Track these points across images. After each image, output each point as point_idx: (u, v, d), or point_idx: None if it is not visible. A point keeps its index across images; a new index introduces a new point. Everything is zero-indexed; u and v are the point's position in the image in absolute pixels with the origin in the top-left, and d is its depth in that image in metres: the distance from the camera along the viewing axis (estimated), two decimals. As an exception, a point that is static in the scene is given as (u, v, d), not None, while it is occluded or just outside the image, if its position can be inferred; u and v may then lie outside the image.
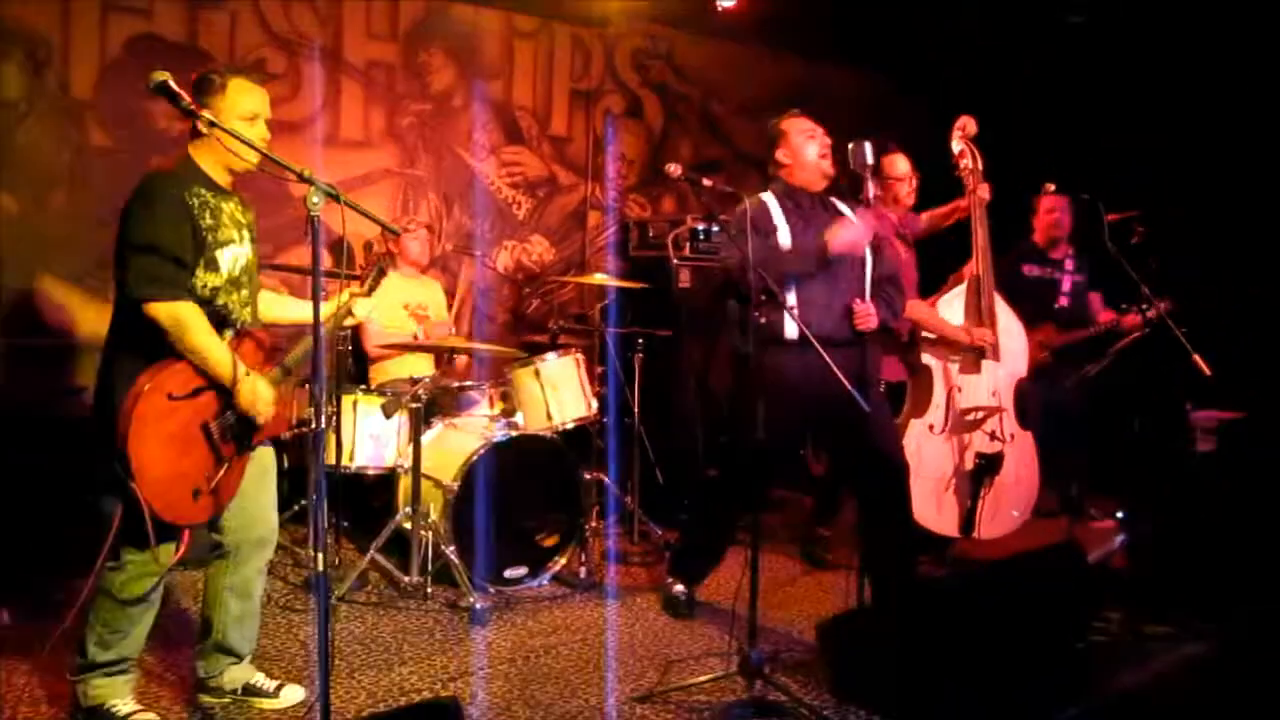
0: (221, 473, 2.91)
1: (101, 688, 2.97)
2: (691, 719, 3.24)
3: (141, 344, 2.81)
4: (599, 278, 5.28)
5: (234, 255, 2.99)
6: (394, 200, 5.93)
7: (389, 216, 5.66)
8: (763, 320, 3.51)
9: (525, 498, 4.43)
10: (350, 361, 5.08)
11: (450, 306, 5.54)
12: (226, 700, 3.19)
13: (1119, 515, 5.55)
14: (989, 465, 4.47)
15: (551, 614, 4.16)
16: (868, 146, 3.81)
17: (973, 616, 3.27)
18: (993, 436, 4.50)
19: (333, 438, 4.31)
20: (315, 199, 2.46)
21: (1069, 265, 5.61)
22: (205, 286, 2.90)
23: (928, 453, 4.43)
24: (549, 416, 4.62)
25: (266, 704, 3.20)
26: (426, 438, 4.40)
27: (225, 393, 2.89)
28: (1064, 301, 5.57)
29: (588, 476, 4.76)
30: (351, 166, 5.77)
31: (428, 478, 4.26)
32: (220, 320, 2.93)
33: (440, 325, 5.28)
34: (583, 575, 4.53)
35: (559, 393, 4.65)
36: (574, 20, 6.54)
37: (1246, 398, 5.75)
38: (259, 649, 3.38)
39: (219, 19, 5.32)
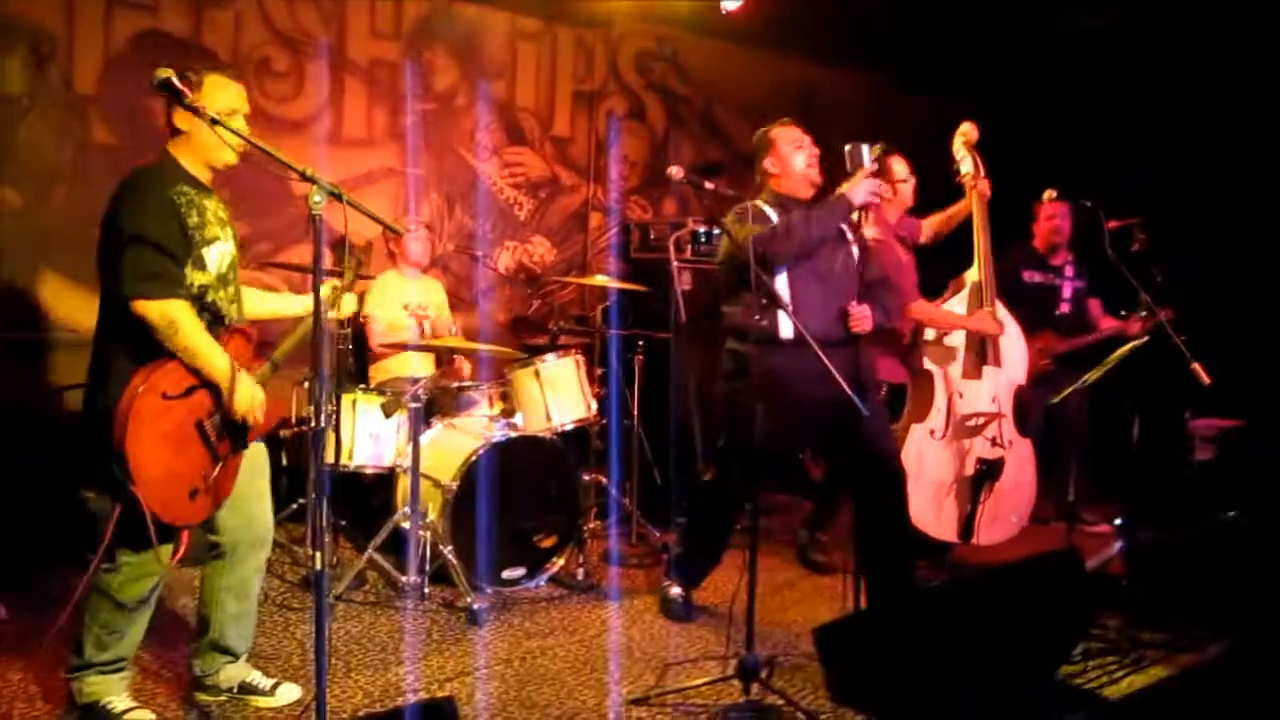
0: (217, 471, 2.90)
1: (97, 685, 2.97)
2: (688, 722, 3.24)
3: (133, 343, 2.80)
4: (600, 279, 5.29)
5: (220, 252, 2.99)
6: (396, 199, 5.93)
7: (391, 216, 5.65)
8: (763, 322, 3.51)
9: (524, 499, 4.42)
10: (351, 360, 5.08)
11: (453, 306, 5.53)
12: (223, 698, 3.19)
13: (1117, 522, 5.55)
14: (990, 471, 4.47)
15: (549, 615, 4.15)
16: (864, 148, 3.83)
17: (970, 622, 3.26)
18: (994, 443, 4.50)
19: (332, 436, 4.31)
20: (318, 198, 2.46)
21: (1069, 271, 5.61)
22: (194, 285, 2.89)
23: (928, 457, 4.43)
24: (548, 417, 4.62)
25: (263, 702, 3.20)
26: (425, 437, 4.40)
27: (218, 390, 2.88)
28: (1065, 308, 5.58)
29: (586, 478, 4.76)
30: (354, 165, 5.77)
31: (426, 477, 4.25)
32: (211, 318, 2.92)
33: (442, 324, 5.27)
34: (580, 577, 4.53)
35: (558, 394, 4.65)
36: (577, 22, 6.54)
37: (1246, 405, 5.75)
38: (256, 647, 3.38)
39: (223, 16, 5.32)
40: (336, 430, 4.35)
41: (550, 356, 4.72)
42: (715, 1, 6.30)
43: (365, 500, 5.01)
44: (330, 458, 4.26)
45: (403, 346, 4.83)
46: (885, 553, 3.88)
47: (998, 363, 4.53)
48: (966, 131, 4.64)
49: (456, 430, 4.63)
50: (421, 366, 5.00)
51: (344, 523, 4.81)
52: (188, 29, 5.22)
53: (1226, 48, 6.39)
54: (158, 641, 3.48)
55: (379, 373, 5.12)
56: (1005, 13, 6.79)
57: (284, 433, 5.03)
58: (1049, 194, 5.11)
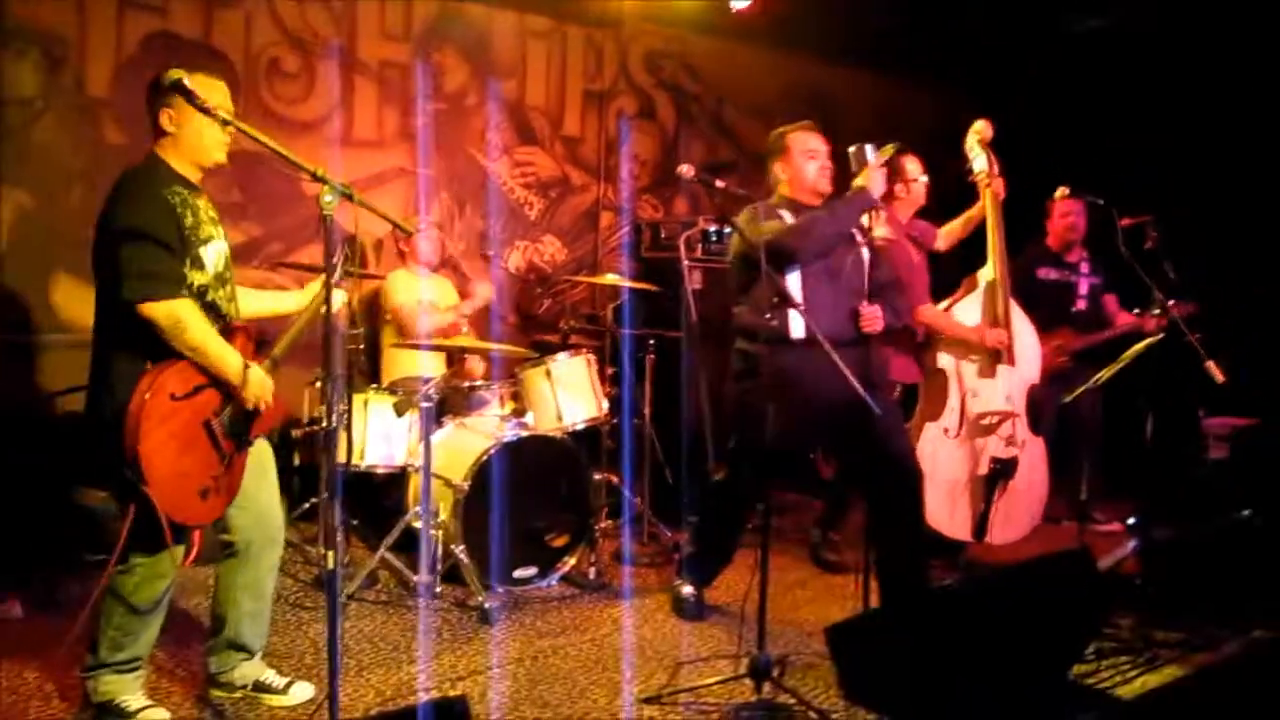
0: (225, 470, 2.91)
1: (112, 684, 2.98)
2: (700, 721, 3.23)
3: (136, 344, 2.80)
4: (611, 278, 5.28)
5: (216, 251, 3.00)
6: (406, 200, 5.93)
7: (401, 217, 5.66)
8: (774, 322, 3.51)
9: (535, 498, 4.43)
10: (363, 359, 5.09)
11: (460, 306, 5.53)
12: (237, 696, 3.20)
13: (1130, 521, 5.53)
14: (1003, 470, 4.46)
15: (560, 614, 4.16)
16: (869, 149, 3.84)
17: (983, 621, 3.25)
18: (1008, 441, 4.49)
19: (344, 436, 4.31)
20: (329, 198, 2.47)
21: (1084, 268, 5.59)
22: (194, 285, 2.89)
23: (942, 456, 4.42)
24: (559, 417, 4.62)
25: (276, 700, 3.21)
26: (437, 437, 4.41)
27: (223, 389, 2.88)
28: (1081, 305, 5.56)
29: (598, 477, 4.76)
30: (364, 166, 5.78)
31: (438, 477, 4.26)
32: (212, 317, 2.92)
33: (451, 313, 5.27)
34: (592, 576, 4.53)
35: (570, 393, 4.66)
36: (587, 21, 6.54)
37: (1260, 403, 5.72)
38: (269, 646, 3.39)
39: (234, 17, 5.34)
40: (349, 430, 4.35)
41: (562, 356, 4.72)
42: (725, 1, 6.29)
43: (377, 500, 5.02)
44: (342, 457, 4.27)
45: (414, 346, 4.84)
46: (899, 552, 3.88)
47: (1012, 361, 4.51)
48: (981, 129, 4.62)
49: (468, 430, 4.64)
50: (433, 366, 5.02)
51: (356, 522, 4.82)
52: (198, 30, 5.24)
53: (1232, 47, 6.36)
54: (172, 640, 3.49)
55: (391, 371, 5.13)
56: (1014, 11, 6.77)
57: (296, 432, 5.05)
58: (1061, 191, 5.09)
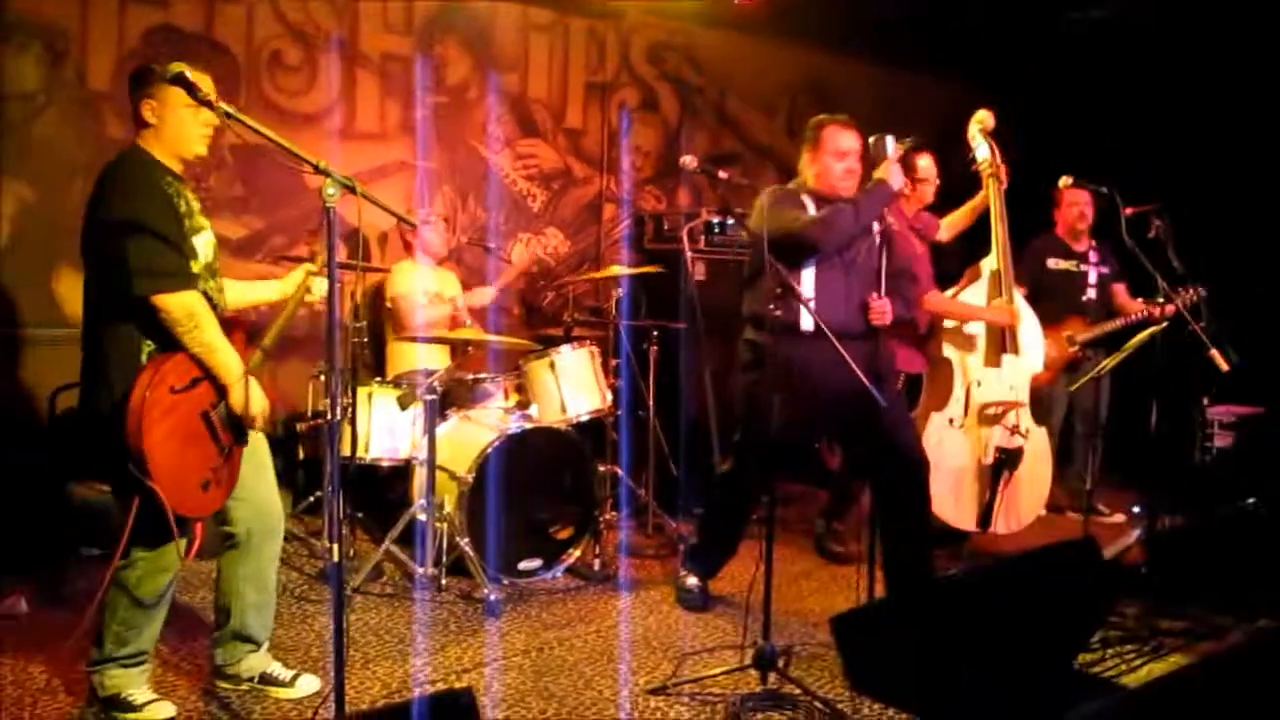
0: (224, 462, 2.91)
1: (118, 678, 2.99)
2: (705, 712, 3.24)
3: (133, 336, 2.80)
4: (616, 269, 5.28)
5: (206, 241, 2.99)
6: (409, 193, 5.93)
7: (404, 209, 5.67)
8: (778, 312, 3.50)
9: (539, 490, 4.43)
10: (367, 353, 5.09)
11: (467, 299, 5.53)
12: (243, 688, 3.21)
13: (1135, 510, 5.53)
14: (1009, 460, 4.45)
15: (565, 606, 4.16)
16: (889, 140, 3.82)
17: (988, 611, 3.25)
18: (1014, 431, 4.49)
19: (348, 429, 4.32)
20: (331, 190, 2.47)
21: (1093, 258, 5.58)
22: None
23: (947, 446, 4.42)
24: (563, 409, 4.62)
25: (282, 693, 3.21)
26: (441, 430, 4.41)
27: (219, 382, 2.88)
28: (1090, 294, 5.54)
29: (602, 469, 4.76)
30: (366, 159, 5.78)
31: (442, 470, 4.26)
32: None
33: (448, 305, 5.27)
34: (597, 568, 4.54)
35: (573, 385, 4.66)
36: (589, 13, 6.53)
37: (1265, 392, 5.71)
38: (275, 639, 3.40)
39: (236, 11, 5.33)
40: (353, 423, 4.36)
41: (565, 348, 4.72)
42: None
43: (382, 492, 5.03)
44: (347, 450, 4.28)
45: (422, 338, 4.84)
46: (906, 543, 3.88)
47: (1016, 351, 4.50)
48: (983, 119, 4.61)
49: (472, 422, 4.64)
50: (439, 357, 5.02)
51: (361, 515, 4.83)
52: (200, 23, 5.24)
53: (1234, 43, 6.34)
54: (176, 634, 3.50)
55: (395, 364, 5.13)
56: (1019, 2, 6.75)
57: (301, 426, 5.06)
58: (1065, 180, 5.08)
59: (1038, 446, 4.62)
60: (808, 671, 3.51)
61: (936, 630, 3.15)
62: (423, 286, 5.13)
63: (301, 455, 5.12)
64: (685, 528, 4.89)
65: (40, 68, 4.84)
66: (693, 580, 4.17)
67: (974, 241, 4.71)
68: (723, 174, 3.69)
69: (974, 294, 4.53)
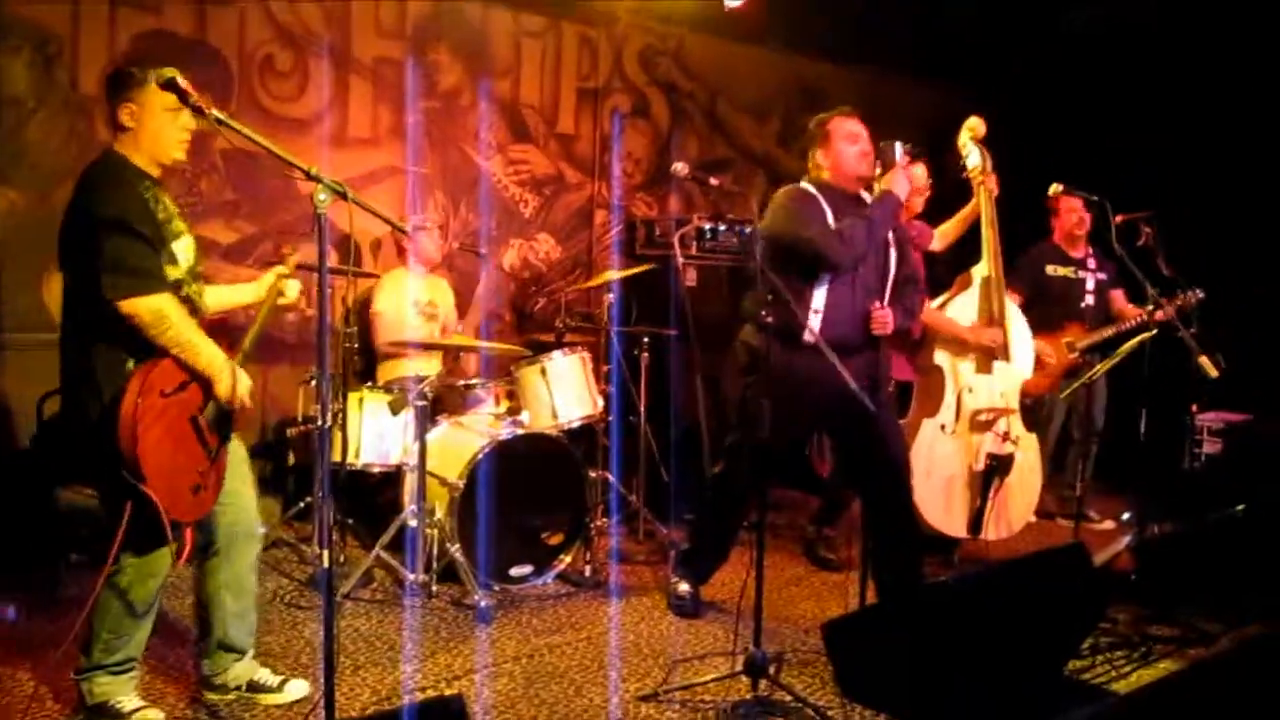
0: (211, 465, 2.90)
1: (106, 685, 2.97)
2: (697, 719, 3.23)
3: (118, 340, 2.78)
4: (609, 274, 5.28)
5: (185, 245, 2.97)
6: (400, 198, 5.92)
7: (396, 215, 5.65)
8: (769, 318, 3.50)
9: (530, 496, 4.42)
10: (357, 358, 5.08)
11: (461, 308, 5.53)
12: (231, 697, 3.19)
13: (1124, 517, 5.54)
14: (1000, 467, 4.46)
15: (556, 612, 4.15)
16: (897, 145, 3.82)
17: (979, 617, 3.25)
18: (1005, 438, 4.50)
19: (338, 435, 4.31)
20: (322, 196, 2.46)
21: (1091, 264, 5.60)
22: (168, 280, 2.87)
23: (939, 453, 4.42)
24: (554, 415, 4.61)
25: (271, 700, 3.20)
26: (432, 436, 4.40)
27: (206, 384, 2.87)
28: (1089, 300, 5.56)
29: (593, 475, 4.75)
30: (358, 164, 5.77)
31: (433, 475, 4.25)
32: (188, 311, 2.90)
33: (449, 323, 5.28)
34: (588, 574, 4.53)
35: (565, 391, 4.65)
36: (581, 19, 6.53)
37: (1253, 399, 5.73)
38: (264, 645, 3.39)
39: (227, 15, 5.32)
40: (343, 429, 4.35)
41: (557, 354, 4.71)
42: (718, -1, 6.29)
43: (372, 498, 5.01)
44: (337, 456, 4.27)
45: (408, 345, 4.83)
46: (895, 549, 3.88)
47: (1007, 358, 4.52)
48: (974, 126, 4.62)
49: (463, 428, 4.63)
50: (428, 365, 5.00)
51: (351, 521, 4.81)
52: (192, 28, 5.23)
53: (1231, 45, 6.36)
54: (166, 640, 3.49)
55: (386, 371, 5.12)
56: (1008, 5, 6.77)
57: (291, 431, 5.04)
58: (1055, 188, 5.10)
59: (1028, 453, 4.63)
60: (799, 678, 3.51)
61: (927, 637, 3.15)
62: (413, 297, 5.12)
63: (291, 461, 5.10)
64: (676, 533, 4.89)
65: (31, 72, 4.82)
66: (684, 586, 4.17)
67: (965, 248, 4.72)
68: (713, 180, 3.70)
69: (965, 301, 4.55)
